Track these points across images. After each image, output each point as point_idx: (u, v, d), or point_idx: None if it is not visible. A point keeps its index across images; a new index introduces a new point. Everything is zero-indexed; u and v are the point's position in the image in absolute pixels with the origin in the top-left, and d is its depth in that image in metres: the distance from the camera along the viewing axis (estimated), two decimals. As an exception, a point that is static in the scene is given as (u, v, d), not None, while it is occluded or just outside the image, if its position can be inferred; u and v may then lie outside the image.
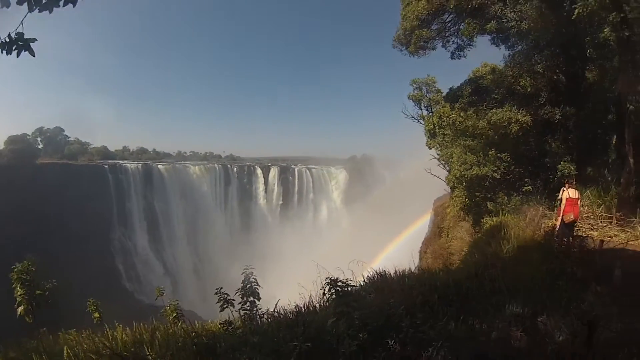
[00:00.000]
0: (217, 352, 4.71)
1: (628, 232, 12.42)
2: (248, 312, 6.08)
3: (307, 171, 63.05)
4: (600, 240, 9.76)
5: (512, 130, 16.86)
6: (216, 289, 5.98)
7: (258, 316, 6.18)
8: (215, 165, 59.40)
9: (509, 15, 16.75)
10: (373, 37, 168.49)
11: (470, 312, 6.02)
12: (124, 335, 5.58)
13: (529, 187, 17.49)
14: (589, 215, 13.97)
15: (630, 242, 11.13)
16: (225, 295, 5.93)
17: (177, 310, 6.43)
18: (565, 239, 10.04)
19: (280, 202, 60.08)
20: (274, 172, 61.11)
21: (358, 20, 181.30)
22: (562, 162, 16.52)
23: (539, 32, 16.47)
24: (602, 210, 14.14)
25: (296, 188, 62.04)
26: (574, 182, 11.71)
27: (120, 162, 54.87)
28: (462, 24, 19.47)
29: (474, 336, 4.92)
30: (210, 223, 54.73)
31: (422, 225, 34.81)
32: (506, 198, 17.99)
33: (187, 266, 51.92)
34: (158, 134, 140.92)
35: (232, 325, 5.69)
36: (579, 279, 7.93)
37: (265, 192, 60.41)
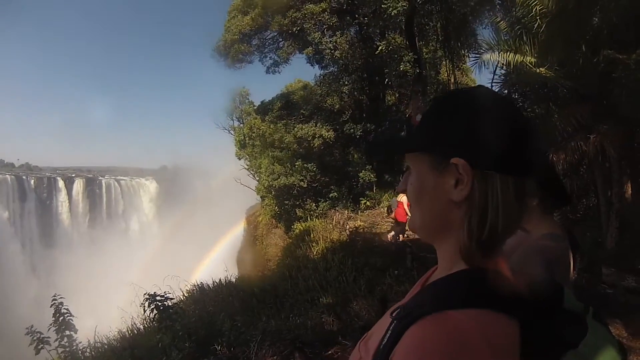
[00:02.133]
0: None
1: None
2: (67, 348, 5.19)
3: (116, 183, 56.59)
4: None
5: (316, 144, 18.44)
6: (26, 328, 5.02)
7: (80, 351, 5.32)
8: (7, 176, 46.83)
9: (324, 44, 18.57)
10: (192, 43, 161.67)
11: (287, 310, 6.45)
12: None
13: (335, 193, 19.09)
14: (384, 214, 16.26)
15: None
16: (39, 334, 4.98)
17: None
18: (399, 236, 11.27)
19: (88, 219, 51.69)
20: (79, 185, 52.24)
21: (180, 24, 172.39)
22: (363, 171, 18.58)
23: (349, 60, 18.63)
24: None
25: (104, 202, 54.56)
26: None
27: None
28: (282, 42, 20.65)
29: (291, 328, 5.27)
30: (2, 248, 42.77)
31: (236, 234, 34.94)
32: (314, 204, 19.38)
33: None
34: None
35: None
36: (379, 268, 9.28)
37: (70, 207, 50.83)
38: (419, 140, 0.76)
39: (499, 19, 10.50)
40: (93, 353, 5.59)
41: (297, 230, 17.35)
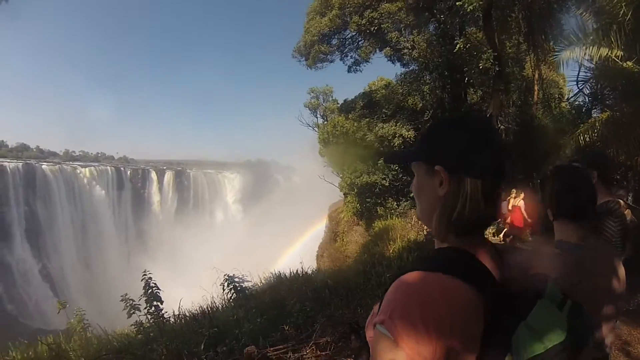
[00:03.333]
0: (132, 350, 4.61)
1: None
2: (154, 316, 6.02)
3: (203, 175, 60.44)
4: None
5: (396, 144, 18.39)
6: (121, 295, 5.93)
7: (164, 319, 6.12)
8: (108, 167, 52.50)
9: (402, 43, 18.46)
10: (275, 44, 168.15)
11: (356, 302, 6.66)
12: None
13: (416, 192, 18.96)
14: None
15: (489, 238, 13.11)
16: (131, 301, 5.84)
17: (83, 321, 6.04)
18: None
19: (176, 207, 56.24)
20: (169, 176, 56.82)
21: (263, 25, 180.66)
22: None
23: (428, 58, 18.38)
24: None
25: (192, 193, 58.68)
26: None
27: (-4, 160, 45.89)
28: (362, 41, 20.94)
29: (354, 317, 5.47)
30: (101, 231, 48.47)
31: (317, 230, 35.49)
32: (395, 203, 19.42)
33: (77, 279, 44.62)
34: (42, 129, 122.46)
35: (143, 326, 5.62)
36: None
37: (160, 196, 55.70)
38: (418, 154, 1.05)
39: (581, 10, 9.55)
40: (176, 321, 6.30)
41: (377, 228, 17.44)
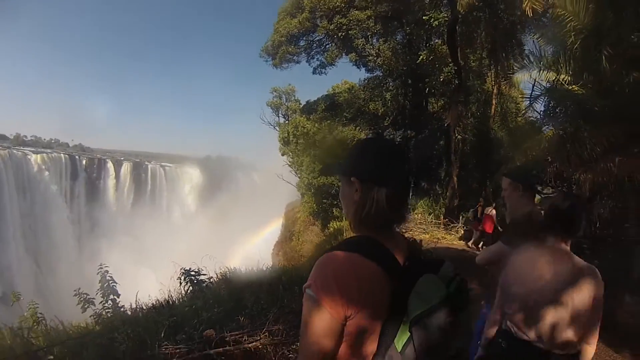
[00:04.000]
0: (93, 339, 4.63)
1: (452, 234, 15.51)
2: (112, 308, 6.07)
3: (161, 169, 58.34)
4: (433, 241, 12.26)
5: (351, 148, 18.83)
6: (74, 290, 5.90)
7: (124, 310, 6.17)
8: (62, 155, 48.87)
9: (368, 50, 19.04)
10: (243, 40, 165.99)
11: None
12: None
13: (373, 195, 19.48)
14: (421, 220, 16.67)
15: (454, 242, 14.26)
16: (85, 295, 5.85)
17: (36, 315, 5.58)
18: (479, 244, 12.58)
19: (132, 200, 53.91)
20: (126, 168, 54.10)
21: (239, 20, 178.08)
22: None
23: (392, 66, 19.07)
24: (432, 217, 17.18)
25: (149, 186, 56.57)
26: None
27: None
28: (329, 44, 21.44)
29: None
30: (53, 223, 45.23)
31: (274, 228, 35.67)
32: (350, 204, 19.88)
33: (24, 273, 40.89)
34: None
35: (102, 318, 5.66)
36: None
37: (117, 189, 53.01)
38: (341, 168, 1.37)
39: (537, 35, 10.30)
40: (135, 312, 6.37)
41: (332, 229, 17.92)
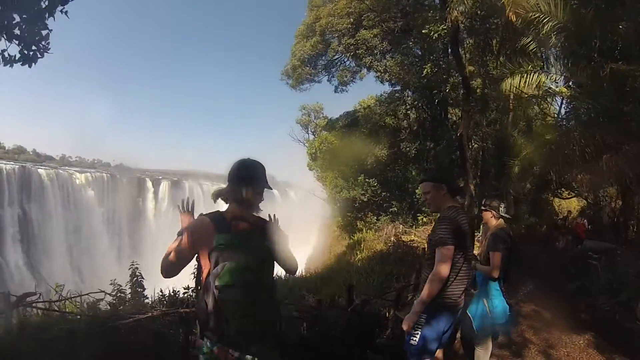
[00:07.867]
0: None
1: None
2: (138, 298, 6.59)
3: (199, 187, 59.90)
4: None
5: (368, 162, 19.54)
6: (110, 280, 6.52)
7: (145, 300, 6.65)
8: (104, 174, 51.74)
9: (376, 67, 19.69)
10: (271, 57, 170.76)
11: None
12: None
13: (395, 208, 19.76)
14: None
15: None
16: (119, 286, 6.46)
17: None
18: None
19: (171, 218, 55.40)
20: (164, 187, 56.02)
21: (269, 39, 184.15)
22: (418, 188, 19.06)
23: (403, 80, 19.50)
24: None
25: None
26: None
27: (-10, 161, 43.84)
28: (348, 61, 22.16)
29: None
30: (95, 238, 47.82)
31: (310, 243, 36.01)
32: (375, 217, 20.24)
33: (67, 283, 43.30)
34: (39, 133, 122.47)
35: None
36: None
37: (155, 207, 54.80)
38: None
39: (529, 39, 9.91)
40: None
41: (352, 241, 18.32)
